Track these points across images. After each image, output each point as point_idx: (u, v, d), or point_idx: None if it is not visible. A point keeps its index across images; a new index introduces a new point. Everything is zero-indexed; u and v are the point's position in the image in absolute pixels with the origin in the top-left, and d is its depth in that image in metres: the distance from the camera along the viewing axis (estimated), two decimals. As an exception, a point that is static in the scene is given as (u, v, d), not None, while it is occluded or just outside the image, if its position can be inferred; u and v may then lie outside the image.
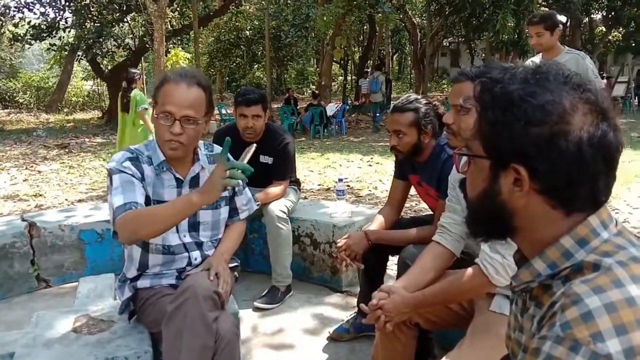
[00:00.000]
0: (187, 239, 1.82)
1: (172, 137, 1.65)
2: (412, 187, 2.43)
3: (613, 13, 19.36)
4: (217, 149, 1.93)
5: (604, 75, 19.21)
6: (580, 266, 0.73)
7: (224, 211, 1.91)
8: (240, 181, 1.95)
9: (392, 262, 2.49)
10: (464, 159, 0.86)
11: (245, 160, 1.61)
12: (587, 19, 21.24)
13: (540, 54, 3.67)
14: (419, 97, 2.20)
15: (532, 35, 3.56)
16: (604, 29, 21.80)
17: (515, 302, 0.90)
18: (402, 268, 2.00)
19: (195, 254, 1.83)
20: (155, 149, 1.75)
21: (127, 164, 1.69)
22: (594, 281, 0.69)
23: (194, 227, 1.83)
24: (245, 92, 2.93)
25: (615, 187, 0.78)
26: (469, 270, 1.53)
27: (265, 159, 2.96)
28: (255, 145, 1.67)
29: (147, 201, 1.71)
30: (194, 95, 1.66)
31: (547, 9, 20.04)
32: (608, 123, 0.74)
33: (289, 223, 2.92)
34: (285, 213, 2.88)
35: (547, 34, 3.49)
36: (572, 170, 0.73)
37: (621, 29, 22.02)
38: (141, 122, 5.71)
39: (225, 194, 1.88)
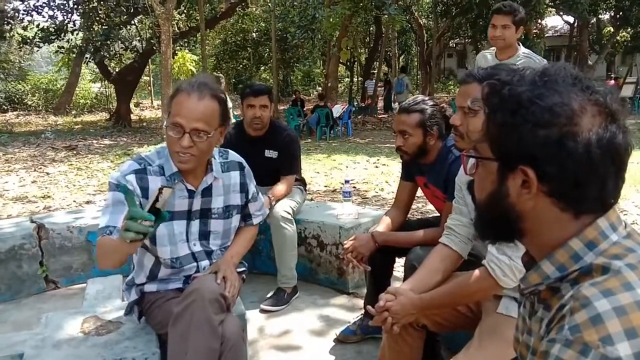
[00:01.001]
0: (197, 248, 1.81)
1: (181, 150, 1.60)
2: (419, 188, 2.42)
3: (621, 13, 19.20)
4: (233, 155, 1.90)
5: (612, 75, 19.11)
6: (589, 269, 0.73)
7: (235, 220, 1.90)
8: (254, 188, 1.95)
9: (399, 263, 2.48)
10: (472, 160, 0.85)
11: (162, 205, 1.36)
12: (594, 19, 21.08)
13: (494, 50, 3.23)
14: (426, 98, 2.20)
15: (495, 25, 3.07)
16: (612, 29, 21.63)
17: (524, 304, 0.89)
18: (409, 270, 2.00)
19: (204, 263, 1.82)
20: (168, 157, 1.70)
21: (131, 177, 1.65)
22: (603, 284, 0.69)
23: (204, 236, 1.82)
24: (251, 84, 3.12)
25: (624, 188, 0.78)
26: (476, 272, 1.53)
27: (270, 154, 3.01)
28: (171, 190, 1.40)
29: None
30: (205, 108, 1.60)
31: (553, 9, 19.98)
32: (617, 125, 0.73)
33: (294, 224, 2.92)
34: (290, 214, 2.89)
35: (512, 29, 3.05)
36: (581, 172, 0.72)
37: (629, 29, 21.83)
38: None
39: (237, 202, 1.87)
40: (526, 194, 0.76)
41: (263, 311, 2.78)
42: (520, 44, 3.21)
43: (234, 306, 1.79)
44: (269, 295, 2.88)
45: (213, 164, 1.78)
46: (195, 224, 1.79)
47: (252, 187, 1.94)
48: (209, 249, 1.84)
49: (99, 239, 1.59)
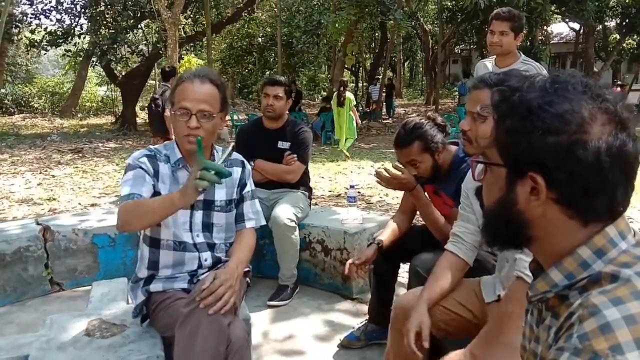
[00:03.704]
0: (200, 239, 1.83)
1: (189, 132, 1.71)
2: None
3: (627, 20, 19.19)
4: (236, 154, 1.95)
5: (618, 83, 19.08)
6: (598, 277, 0.73)
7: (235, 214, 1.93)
8: (252, 189, 1.97)
9: (403, 269, 2.47)
10: (480, 166, 0.85)
11: (221, 161, 1.58)
12: (600, 26, 21.05)
13: (494, 58, 3.16)
14: (415, 120, 2.12)
15: (493, 31, 3.00)
16: (618, 37, 21.61)
17: (531, 312, 0.89)
18: (414, 276, 2.00)
19: (206, 255, 1.84)
20: (173, 147, 1.82)
21: (144, 159, 1.76)
22: (612, 292, 0.68)
23: (207, 227, 1.85)
24: (271, 76, 3.38)
25: (632, 196, 0.77)
26: (509, 291, 1.48)
27: (283, 145, 3.13)
28: (233, 145, 1.73)
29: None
30: (208, 91, 1.73)
31: (559, 16, 19.97)
32: (627, 133, 0.73)
33: (298, 230, 2.96)
34: (294, 221, 2.91)
35: (510, 35, 2.98)
36: (590, 180, 0.72)
37: (635, 36, 21.81)
38: (351, 113, 9.43)
39: (234, 196, 1.89)
40: (535, 201, 0.76)
41: (270, 307, 2.84)
42: (521, 52, 3.16)
43: (239, 310, 1.79)
44: (272, 293, 2.94)
45: (216, 156, 1.85)
46: (199, 215, 1.83)
47: (250, 185, 1.97)
48: (212, 241, 1.86)
49: (127, 202, 1.66)
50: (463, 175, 2.03)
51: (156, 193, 1.75)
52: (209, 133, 1.75)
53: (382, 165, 8.45)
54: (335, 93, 9.82)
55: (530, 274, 1.40)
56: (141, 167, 1.74)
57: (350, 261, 2.22)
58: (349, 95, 9.56)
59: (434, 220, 2.16)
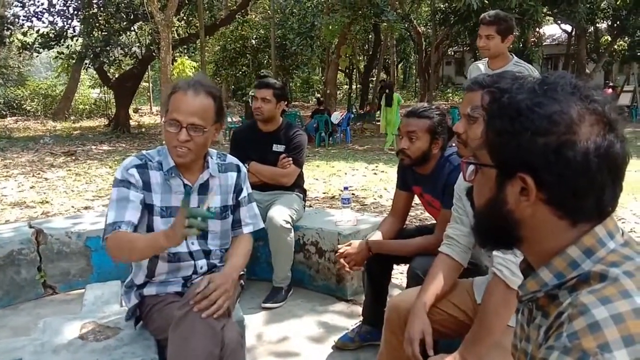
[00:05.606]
0: (195, 247, 1.82)
1: (178, 144, 1.67)
2: (416, 196, 2.43)
3: (618, 22, 19.36)
4: (230, 158, 1.94)
5: (610, 84, 19.22)
6: (586, 276, 0.73)
7: (231, 220, 1.92)
8: (248, 193, 1.96)
9: (397, 270, 2.48)
10: (471, 167, 0.86)
11: (206, 206, 1.54)
12: (592, 28, 21.21)
13: (487, 60, 3.23)
14: (433, 107, 2.22)
15: (481, 35, 3.07)
16: (609, 38, 21.79)
17: (522, 311, 0.90)
18: (412, 279, 2.00)
19: (202, 263, 1.83)
20: (166, 154, 1.78)
21: (133, 170, 1.72)
22: (601, 292, 0.69)
23: (203, 235, 1.83)
24: (261, 79, 3.40)
25: (622, 196, 0.78)
26: (488, 287, 1.52)
27: (277, 148, 3.13)
28: (218, 197, 1.68)
29: (150, 209, 1.74)
30: (201, 104, 1.68)
31: (551, 18, 20.11)
32: (615, 134, 0.74)
33: (293, 232, 2.97)
34: (289, 223, 2.92)
35: (497, 39, 3.01)
36: (579, 181, 0.73)
37: (626, 38, 21.99)
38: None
39: (229, 202, 1.88)
40: (525, 202, 0.77)
41: (264, 309, 2.84)
42: (513, 54, 3.21)
43: (233, 312, 1.79)
44: (266, 295, 2.95)
45: (210, 162, 1.82)
46: None
47: (246, 190, 1.95)
48: (207, 248, 1.85)
49: (113, 236, 1.65)
50: (447, 176, 2.05)
51: (147, 205, 1.73)
52: (200, 146, 1.70)
53: (376, 166, 8.47)
54: (384, 95, 11.56)
55: (505, 270, 1.45)
56: (129, 182, 1.70)
57: (340, 259, 2.26)
58: (395, 95, 11.25)
59: (408, 251, 2.17)
